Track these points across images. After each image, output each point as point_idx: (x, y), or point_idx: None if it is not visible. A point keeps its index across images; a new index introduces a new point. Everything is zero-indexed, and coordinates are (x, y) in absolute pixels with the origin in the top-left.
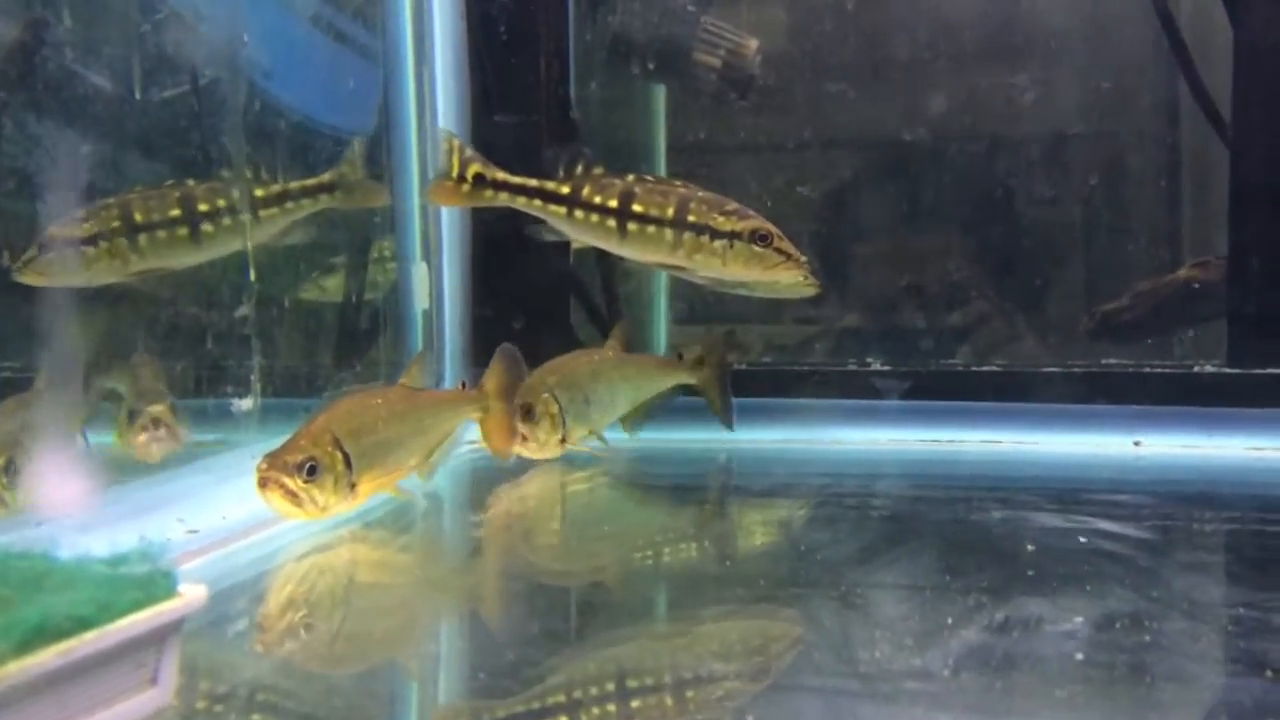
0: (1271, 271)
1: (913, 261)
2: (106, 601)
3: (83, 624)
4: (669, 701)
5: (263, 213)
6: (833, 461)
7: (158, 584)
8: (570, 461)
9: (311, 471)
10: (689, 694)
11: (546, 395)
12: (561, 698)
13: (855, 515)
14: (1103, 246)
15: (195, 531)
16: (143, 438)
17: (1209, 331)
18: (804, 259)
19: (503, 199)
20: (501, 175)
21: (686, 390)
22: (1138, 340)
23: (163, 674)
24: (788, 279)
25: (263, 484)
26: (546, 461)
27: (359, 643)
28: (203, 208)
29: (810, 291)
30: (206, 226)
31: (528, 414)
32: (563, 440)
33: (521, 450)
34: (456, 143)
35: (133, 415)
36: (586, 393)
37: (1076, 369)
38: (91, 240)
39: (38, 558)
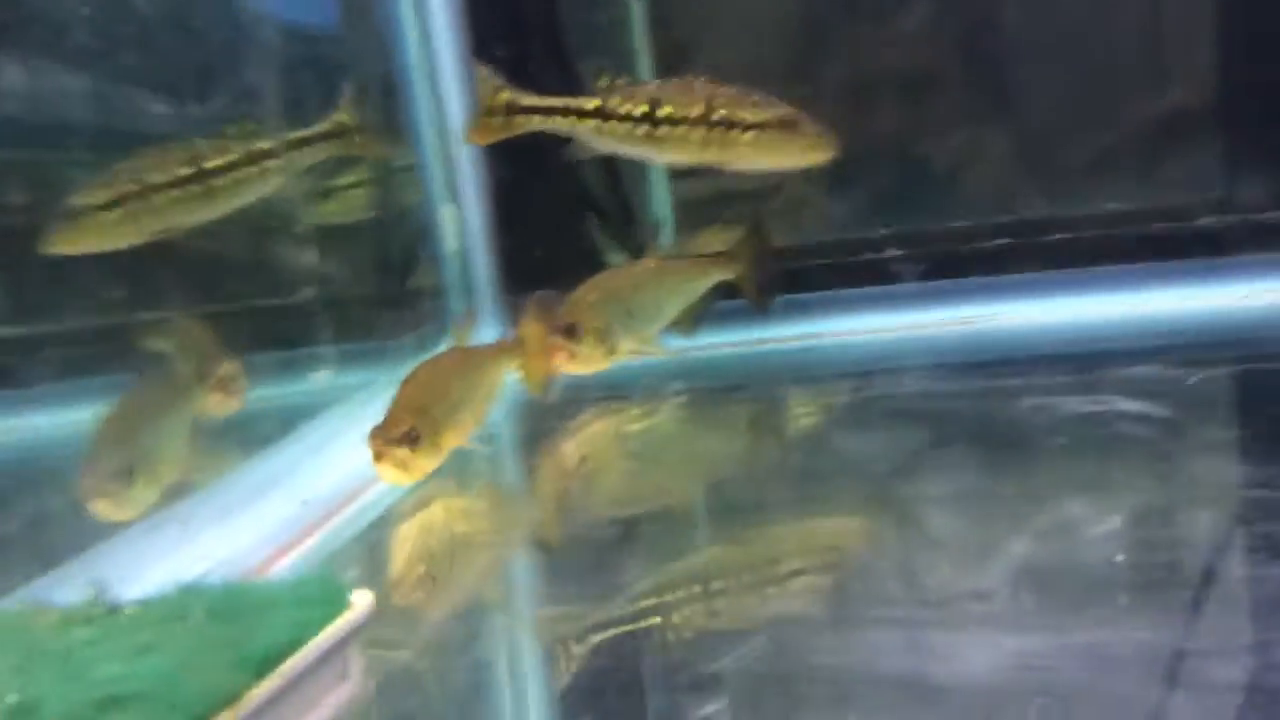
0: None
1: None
2: (303, 622)
3: (292, 646)
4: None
5: (269, 164)
6: (857, 355)
7: (334, 598)
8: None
9: (414, 441)
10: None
11: (587, 312)
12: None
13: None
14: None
15: (307, 502)
16: (218, 396)
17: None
18: (830, 137)
19: (535, 123)
20: (531, 100)
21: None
22: (1138, 172)
23: (351, 669)
24: (820, 160)
25: (377, 458)
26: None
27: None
28: (211, 165)
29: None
30: (217, 182)
31: (571, 332)
32: (611, 352)
33: (568, 367)
34: (486, 71)
35: (200, 375)
36: (628, 305)
37: (1079, 235)
38: (110, 206)
39: (236, 590)
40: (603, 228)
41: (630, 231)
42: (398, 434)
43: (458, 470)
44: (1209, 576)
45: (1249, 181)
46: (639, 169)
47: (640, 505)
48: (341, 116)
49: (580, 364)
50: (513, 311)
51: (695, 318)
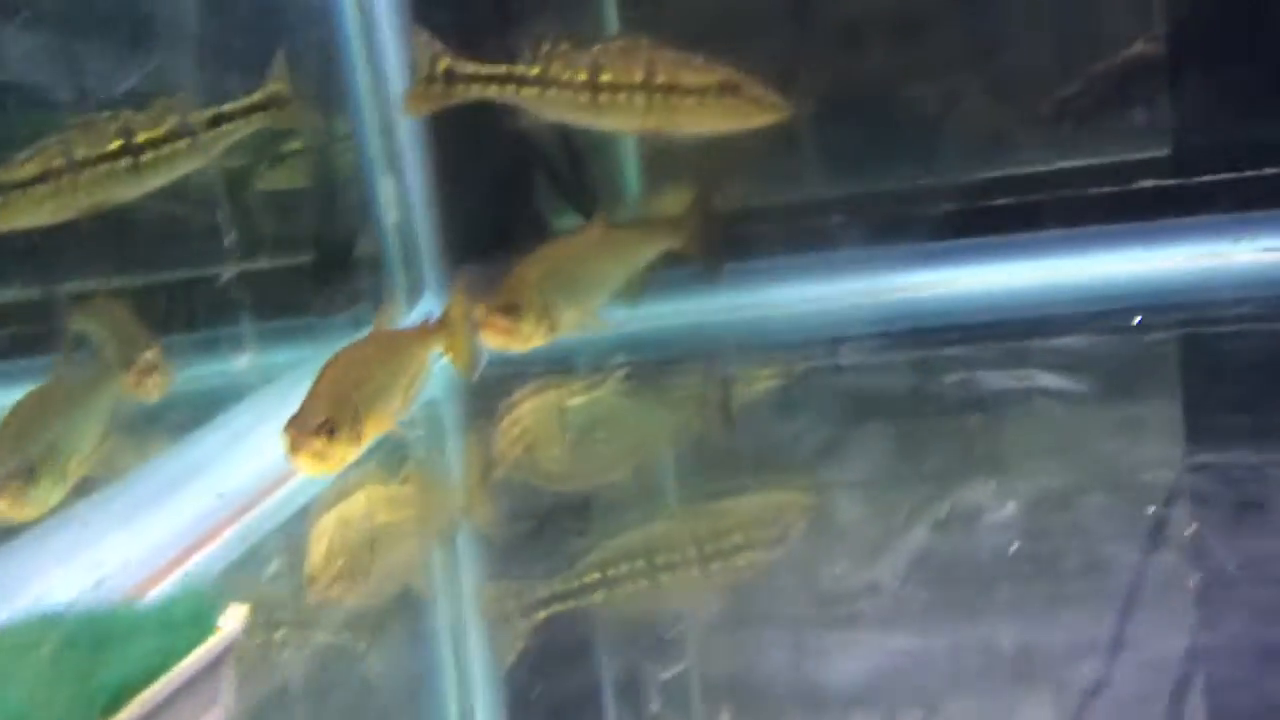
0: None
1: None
2: (167, 648)
3: (152, 675)
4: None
5: (203, 137)
6: (798, 325)
7: (206, 619)
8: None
9: (332, 432)
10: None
11: (529, 290)
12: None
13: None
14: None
15: (222, 496)
16: (142, 381)
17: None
18: (775, 99)
19: (475, 91)
20: (472, 67)
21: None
22: (1097, 121)
23: (222, 693)
24: (763, 123)
25: (293, 450)
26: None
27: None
28: (141, 138)
29: (783, 116)
30: (147, 156)
31: (511, 310)
32: (553, 329)
33: (510, 345)
34: (425, 37)
35: (123, 361)
36: (572, 278)
37: (1024, 197)
38: (36, 181)
39: (99, 617)
40: (554, 187)
41: (583, 190)
42: (313, 425)
43: (383, 457)
44: (1096, 567)
45: (1196, 142)
46: (607, 139)
47: (566, 488)
48: (274, 87)
49: (521, 342)
50: (453, 283)
51: (639, 286)
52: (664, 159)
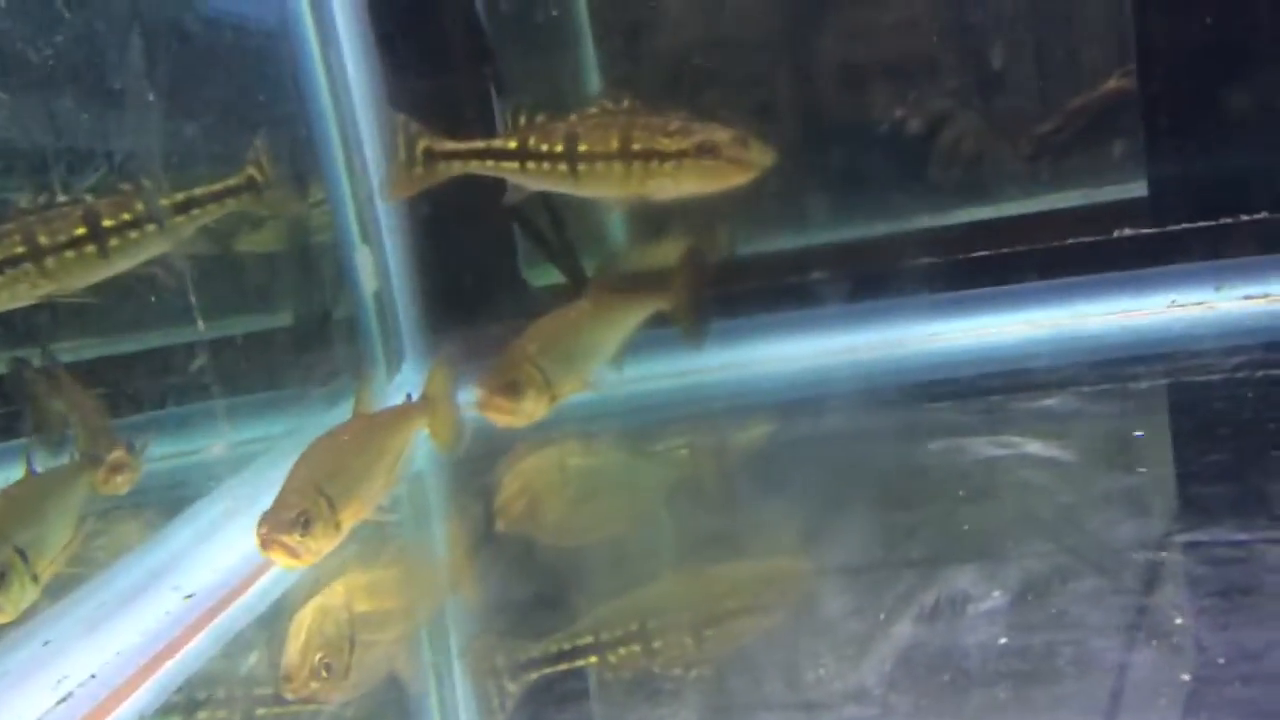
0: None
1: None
2: None
3: None
4: None
5: (170, 221)
6: (780, 384)
7: None
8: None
9: (306, 525)
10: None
11: (528, 366)
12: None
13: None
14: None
15: (191, 596)
16: (110, 478)
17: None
18: (755, 155)
19: (456, 169)
20: (450, 145)
21: None
22: (1075, 158)
23: None
24: (742, 182)
25: (265, 546)
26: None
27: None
28: (108, 223)
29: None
30: (114, 241)
31: (512, 389)
32: (552, 401)
33: (514, 423)
34: (402, 119)
35: (91, 459)
36: (568, 351)
37: (1007, 250)
38: None
39: None
40: (537, 247)
41: (565, 248)
42: (287, 519)
43: (363, 542)
44: (1084, 660)
45: (1172, 175)
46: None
47: (543, 568)
48: (251, 171)
49: (524, 419)
50: (434, 353)
51: (623, 349)
52: (648, 211)
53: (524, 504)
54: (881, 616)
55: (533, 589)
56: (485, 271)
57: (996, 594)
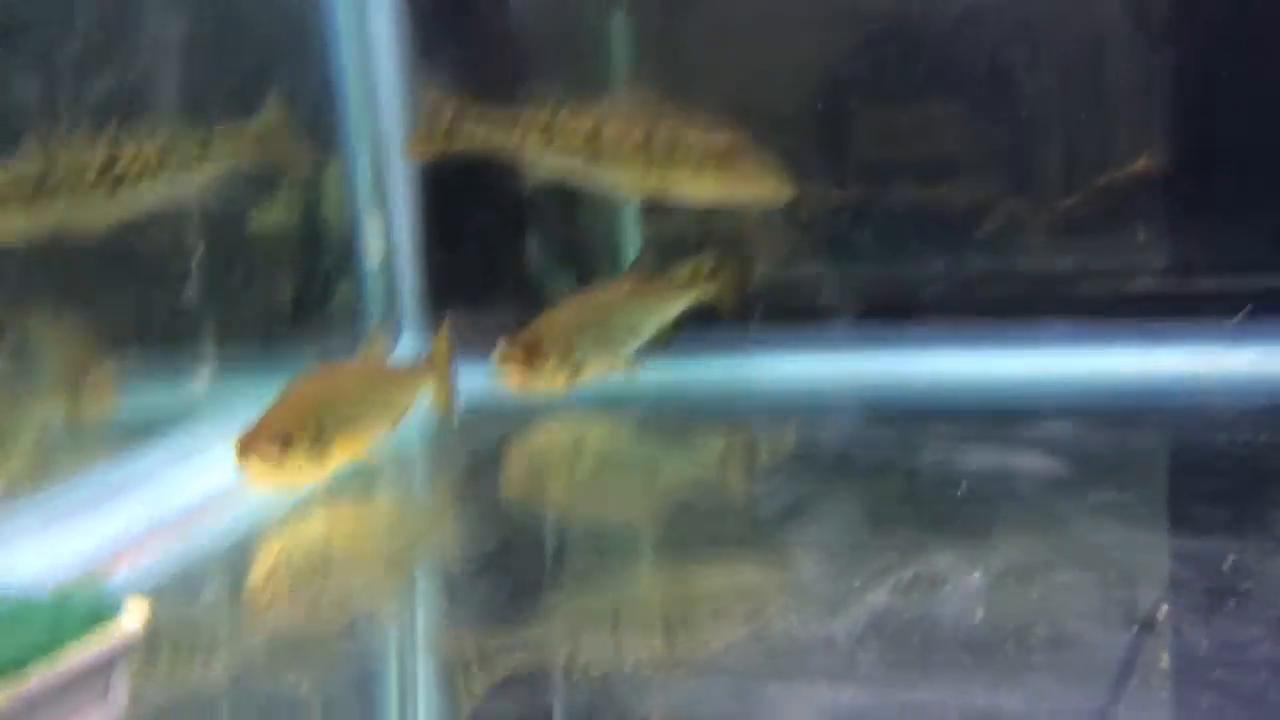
0: (1210, 174)
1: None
2: (51, 641)
3: (28, 666)
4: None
5: (186, 166)
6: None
7: (101, 613)
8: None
9: (287, 443)
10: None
11: (553, 335)
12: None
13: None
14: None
15: (156, 513)
16: (89, 400)
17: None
18: (776, 170)
19: (480, 138)
20: (477, 114)
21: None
22: (1095, 235)
23: (114, 689)
24: (762, 193)
25: (242, 455)
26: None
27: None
28: (123, 162)
29: (786, 196)
30: (129, 181)
31: (534, 350)
32: (576, 374)
33: (528, 385)
34: (435, 83)
35: (72, 378)
36: (601, 328)
37: (1020, 289)
38: (7, 195)
39: None
40: (549, 248)
41: (578, 255)
42: (267, 433)
43: (355, 486)
44: (1059, 640)
45: (1191, 248)
46: (609, 203)
47: (530, 536)
48: (267, 120)
49: (541, 383)
50: (436, 328)
51: (666, 339)
52: (665, 227)
53: (533, 473)
54: (857, 584)
55: (519, 557)
56: (494, 259)
57: (976, 575)
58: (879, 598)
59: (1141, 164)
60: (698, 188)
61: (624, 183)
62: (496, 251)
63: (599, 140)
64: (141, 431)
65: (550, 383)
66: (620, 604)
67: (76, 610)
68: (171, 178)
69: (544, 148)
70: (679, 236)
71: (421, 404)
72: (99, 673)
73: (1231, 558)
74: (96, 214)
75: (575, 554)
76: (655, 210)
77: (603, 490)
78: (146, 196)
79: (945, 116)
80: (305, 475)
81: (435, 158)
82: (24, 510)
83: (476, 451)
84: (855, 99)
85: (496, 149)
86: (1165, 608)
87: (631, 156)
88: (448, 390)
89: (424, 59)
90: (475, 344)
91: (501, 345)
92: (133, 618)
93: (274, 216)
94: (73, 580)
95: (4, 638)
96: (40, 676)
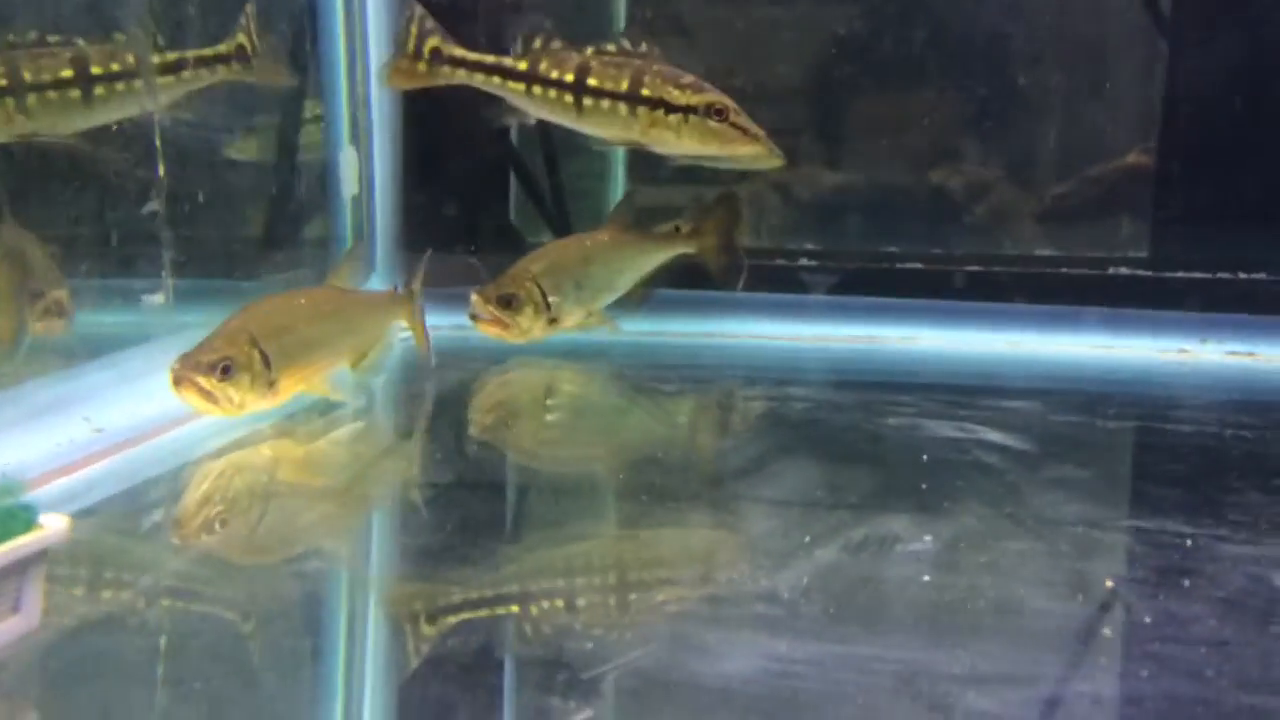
0: (1197, 171)
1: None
2: None
3: None
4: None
5: (158, 80)
6: (752, 357)
7: (16, 517)
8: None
9: (225, 371)
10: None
11: (529, 283)
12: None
13: (753, 422)
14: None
15: (101, 430)
16: (45, 322)
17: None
18: (761, 133)
19: (460, 76)
20: (460, 52)
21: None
22: (1084, 225)
23: (25, 602)
24: (745, 154)
25: (177, 382)
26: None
27: (276, 536)
28: (96, 70)
29: (775, 164)
30: (99, 90)
31: (508, 302)
32: (553, 322)
33: (505, 336)
34: (419, 11)
35: (32, 294)
36: (576, 277)
37: (997, 268)
38: None
39: None
40: (531, 201)
41: (559, 212)
42: (204, 361)
43: (311, 419)
44: (1003, 605)
45: (1172, 243)
46: (597, 168)
47: (486, 474)
48: (240, 39)
49: (517, 335)
50: (409, 270)
51: (645, 293)
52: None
53: (499, 415)
54: (807, 539)
55: (472, 495)
56: (473, 204)
57: (928, 538)
58: (827, 555)
59: (1133, 158)
60: (680, 140)
61: (606, 132)
62: (477, 202)
63: (582, 90)
64: (94, 349)
65: (525, 333)
66: (570, 549)
67: None
68: (143, 91)
69: (525, 93)
70: (665, 192)
71: (395, 338)
72: (8, 582)
73: (1186, 540)
74: (65, 122)
75: (529, 496)
76: (642, 162)
77: (565, 436)
78: (116, 107)
79: (941, 98)
80: (248, 405)
81: (412, 88)
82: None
83: (443, 391)
84: (851, 77)
85: (478, 87)
86: (1110, 583)
87: (613, 108)
88: (423, 328)
89: None
90: (450, 284)
91: (475, 299)
92: (53, 531)
93: (250, 144)
94: None
95: None
96: None
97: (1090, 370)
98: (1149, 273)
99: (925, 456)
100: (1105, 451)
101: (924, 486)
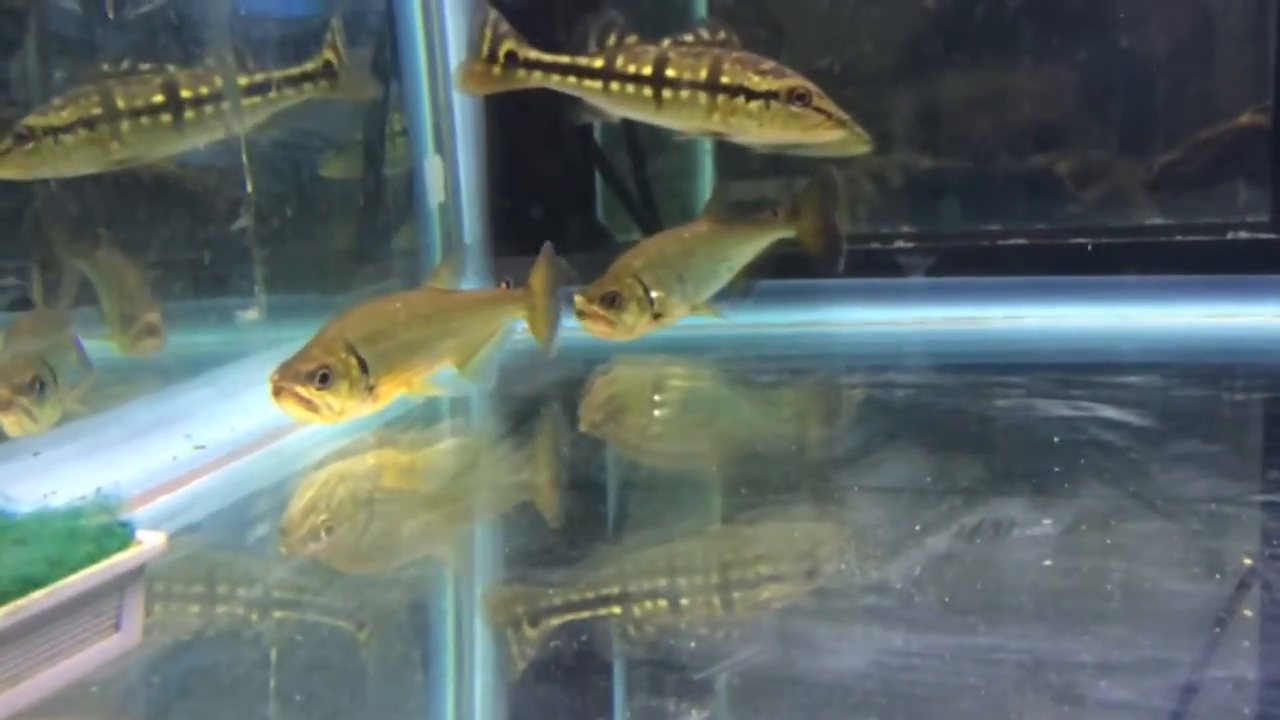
0: None
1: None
2: (59, 558)
3: (33, 583)
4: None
5: (245, 101)
6: (853, 344)
7: (114, 535)
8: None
9: (324, 379)
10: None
11: (631, 280)
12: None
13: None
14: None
15: (203, 447)
16: (140, 344)
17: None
18: (845, 117)
19: (536, 79)
20: (534, 54)
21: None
22: (1197, 192)
23: (126, 619)
24: (830, 138)
25: (276, 393)
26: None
27: (382, 543)
28: (186, 94)
29: (862, 148)
30: (189, 113)
31: (612, 301)
32: (658, 317)
33: (612, 335)
34: (493, 15)
35: (126, 320)
36: (678, 270)
37: (1105, 240)
38: (71, 128)
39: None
40: (620, 201)
41: (648, 210)
42: (302, 370)
43: (418, 422)
44: (1133, 588)
45: None
46: (684, 165)
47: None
48: (327, 56)
49: (624, 332)
50: (498, 275)
51: (751, 280)
52: (739, 185)
53: (609, 412)
54: (917, 528)
55: (580, 501)
56: (559, 206)
57: (1047, 522)
58: (940, 542)
59: (1247, 118)
60: (762, 128)
61: (687, 124)
62: (565, 203)
63: (661, 83)
64: (192, 368)
65: (631, 329)
66: (677, 544)
67: (86, 533)
68: (232, 112)
69: (603, 91)
70: (755, 186)
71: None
72: (108, 600)
73: None
74: (158, 147)
75: (638, 492)
76: (730, 156)
77: (674, 431)
78: (207, 129)
79: (1038, 69)
80: (348, 412)
81: (487, 92)
82: (68, 438)
83: (548, 391)
84: (944, 53)
85: (554, 89)
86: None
87: (693, 98)
88: (546, 322)
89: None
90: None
91: (578, 298)
92: (151, 547)
93: (337, 158)
94: (88, 503)
95: (5, 559)
96: (34, 601)
97: (1211, 341)
98: (1273, 236)
99: (1039, 437)
100: (1233, 425)
101: (1039, 468)
